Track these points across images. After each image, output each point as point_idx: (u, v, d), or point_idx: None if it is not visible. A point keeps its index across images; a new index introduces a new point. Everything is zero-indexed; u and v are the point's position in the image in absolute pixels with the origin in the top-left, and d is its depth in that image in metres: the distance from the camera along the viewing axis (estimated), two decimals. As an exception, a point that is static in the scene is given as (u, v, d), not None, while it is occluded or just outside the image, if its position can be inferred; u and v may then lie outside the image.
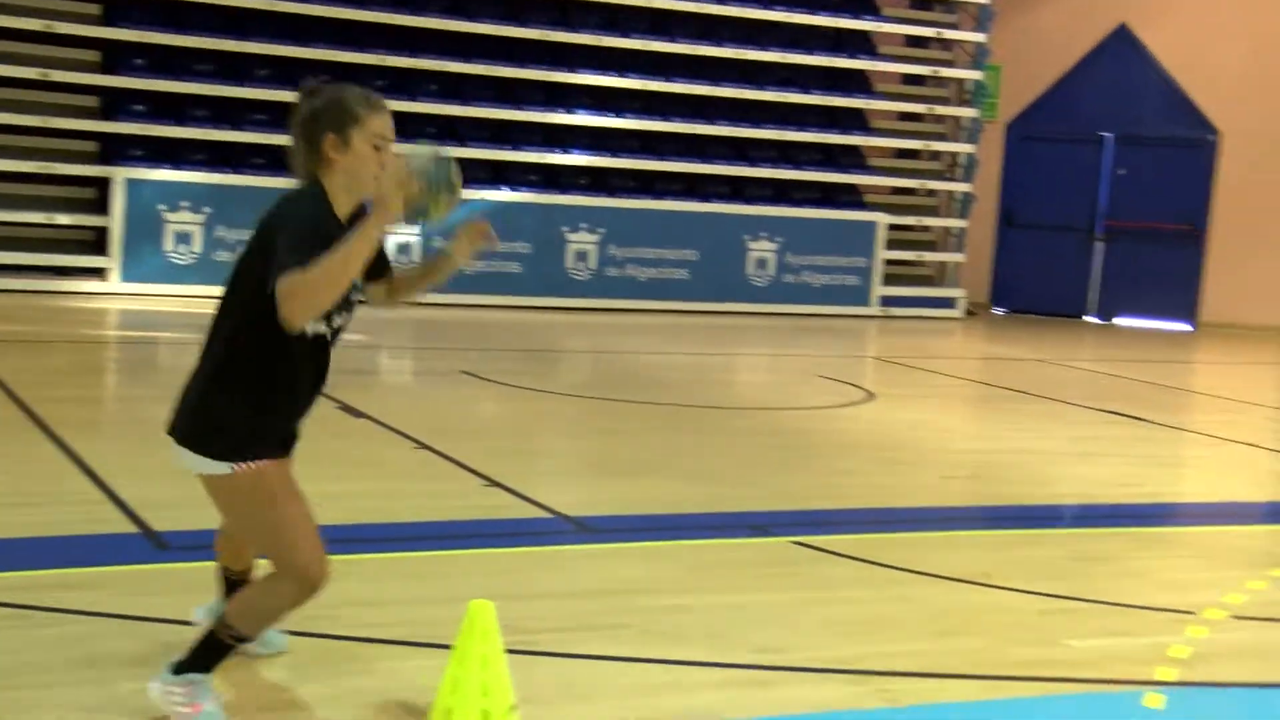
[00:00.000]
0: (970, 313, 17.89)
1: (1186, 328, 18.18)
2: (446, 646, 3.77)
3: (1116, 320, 18.46)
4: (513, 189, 15.21)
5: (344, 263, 3.53)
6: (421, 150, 3.70)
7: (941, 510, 7.13)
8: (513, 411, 9.39)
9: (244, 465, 3.77)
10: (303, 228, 3.64)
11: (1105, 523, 7.11)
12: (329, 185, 3.82)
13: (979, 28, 18.06)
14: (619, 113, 16.15)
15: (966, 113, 17.92)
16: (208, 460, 3.79)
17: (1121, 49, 18.40)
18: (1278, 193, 18.23)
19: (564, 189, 15.66)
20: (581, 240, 15.40)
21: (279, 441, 3.90)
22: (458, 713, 3.63)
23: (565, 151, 15.80)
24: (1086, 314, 18.60)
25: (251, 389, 3.79)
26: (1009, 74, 18.48)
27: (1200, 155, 18.29)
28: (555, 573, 5.57)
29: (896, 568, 5.81)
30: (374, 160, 3.78)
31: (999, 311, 18.75)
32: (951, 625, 5.14)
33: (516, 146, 15.61)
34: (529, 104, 15.77)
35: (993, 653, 4.85)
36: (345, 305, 3.86)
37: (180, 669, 3.81)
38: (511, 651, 3.79)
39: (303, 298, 3.52)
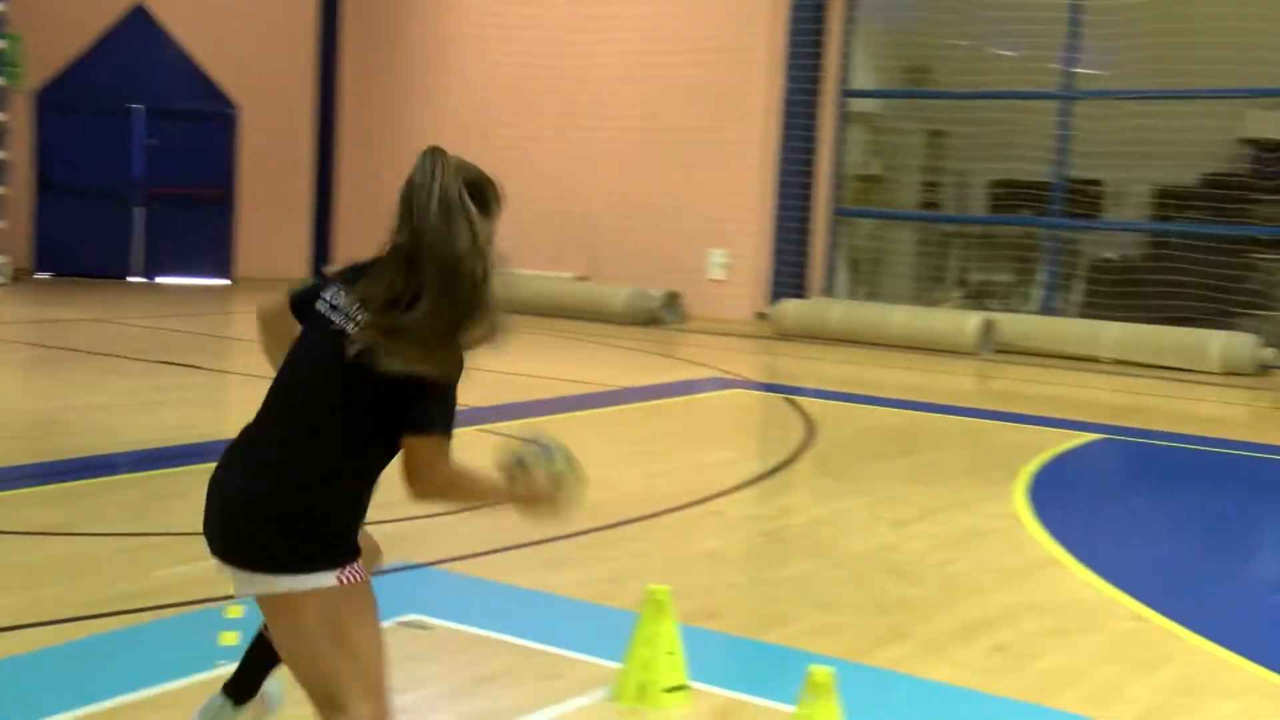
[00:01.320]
0: (15, 278, 16.97)
1: (225, 282, 18.55)
2: None
3: (160, 279, 18.39)
4: None
5: (472, 496, 2.97)
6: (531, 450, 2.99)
7: (4, 471, 6.78)
8: None
9: (349, 573, 2.89)
10: (452, 391, 2.85)
11: (174, 463, 7.15)
12: None
13: (1, -1, 17.04)
14: None
15: (-5, 82, 16.88)
16: (305, 575, 2.84)
17: (141, 28, 18.24)
18: (291, 160, 19.23)
19: None
20: None
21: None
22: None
23: None
24: (131, 274, 18.34)
25: (347, 508, 2.92)
26: (35, 45, 17.61)
27: (224, 127, 18.68)
28: None
29: (-24, 529, 5.48)
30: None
31: (44, 275, 17.94)
32: (39, 576, 4.96)
33: None
34: None
35: (84, 594, 4.76)
36: None
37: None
38: None
39: (443, 489, 2.88)
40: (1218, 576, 6.17)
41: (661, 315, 16.18)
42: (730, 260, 16.86)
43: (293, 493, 2.84)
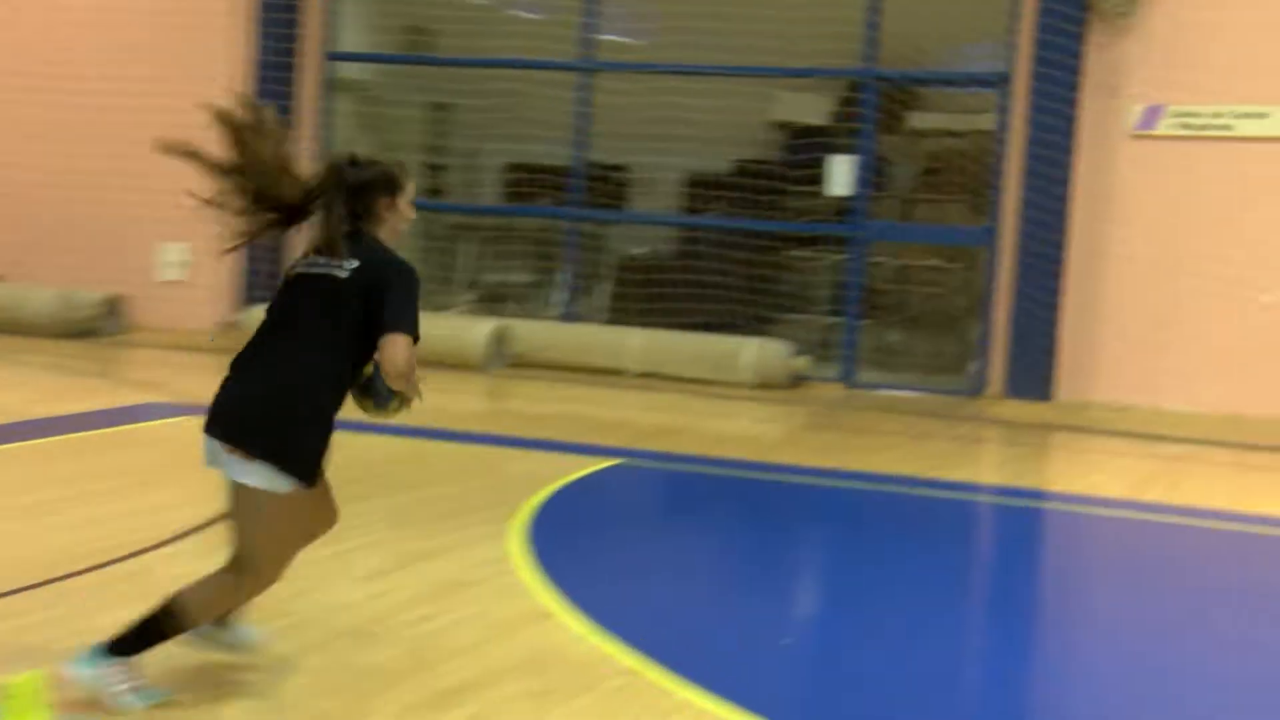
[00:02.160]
0: None
1: None
2: None
3: None
4: None
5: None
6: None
7: None
8: None
9: (303, 487, 4.80)
10: (414, 291, 4.87)
11: None
12: (386, 238, 5.03)
13: None
14: None
15: None
16: (279, 477, 4.73)
17: None
18: None
19: None
20: None
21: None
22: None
23: None
24: None
25: (330, 419, 4.86)
26: None
27: None
28: None
29: None
30: (410, 216, 5.09)
31: None
32: None
33: None
34: None
35: None
36: None
37: (112, 651, 4.65)
38: None
39: (407, 361, 4.74)
40: (728, 619, 6.49)
41: (98, 325, 15.56)
42: (189, 258, 16.42)
43: (265, 392, 4.82)
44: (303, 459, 4.82)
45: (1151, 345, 14.43)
